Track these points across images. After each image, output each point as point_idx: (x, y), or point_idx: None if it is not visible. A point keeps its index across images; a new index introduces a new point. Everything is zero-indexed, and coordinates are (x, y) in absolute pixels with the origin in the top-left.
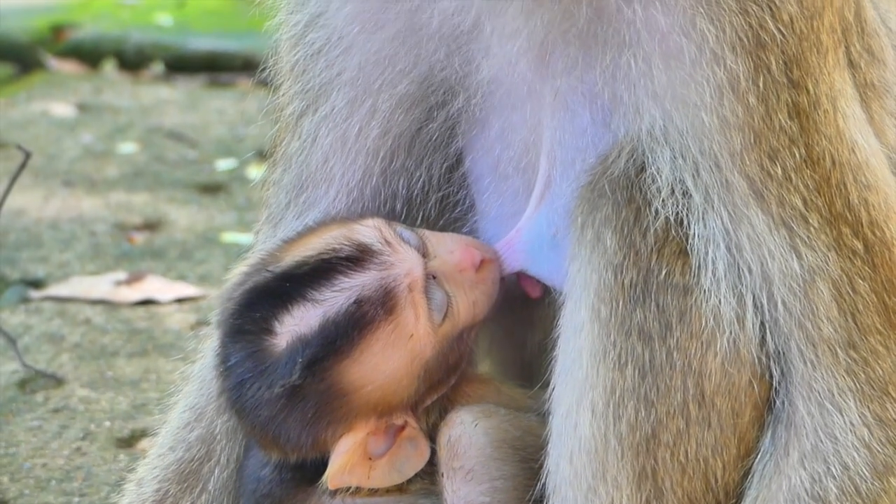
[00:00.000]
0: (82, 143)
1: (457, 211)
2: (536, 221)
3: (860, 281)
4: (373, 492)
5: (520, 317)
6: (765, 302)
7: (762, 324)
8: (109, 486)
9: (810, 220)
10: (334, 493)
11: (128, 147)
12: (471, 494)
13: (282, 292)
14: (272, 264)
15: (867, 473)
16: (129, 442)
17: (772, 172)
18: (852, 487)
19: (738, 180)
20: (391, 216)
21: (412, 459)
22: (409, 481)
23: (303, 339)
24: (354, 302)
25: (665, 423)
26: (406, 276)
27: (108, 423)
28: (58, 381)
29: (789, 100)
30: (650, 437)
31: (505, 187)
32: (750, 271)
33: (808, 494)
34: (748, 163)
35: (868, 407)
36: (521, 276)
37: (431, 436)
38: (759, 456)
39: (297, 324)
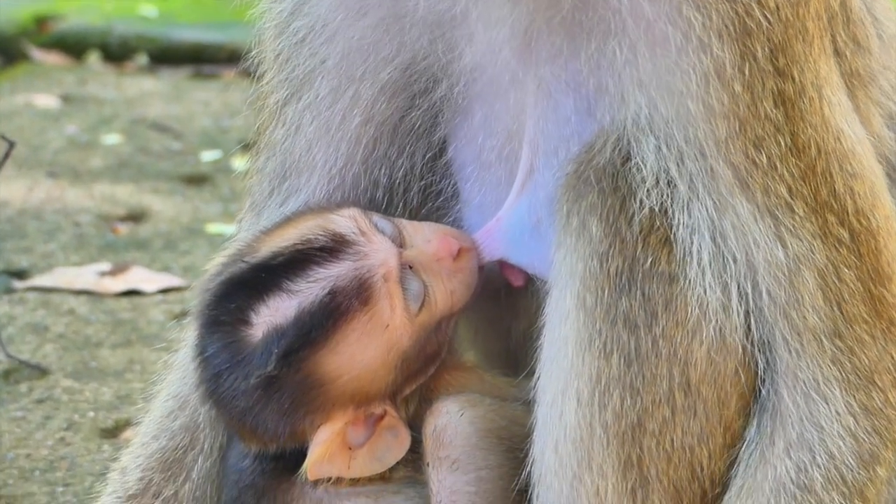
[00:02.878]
0: (66, 135)
1: (439, 200)
2: (518, 210)
3: (846, 270)
4: (355, 481)
5: (504, 306)
6: (749, 291)
7: (747, 313)
8: (93, 476)
9: (796, 209)
10: (316, 483)
11: (112, 138)
12: (456, 484)
13: (257, 283)
14: (248, 255)
15: (853, 462)
16: (113, 432)
17: (757, 161)
18: (838, 476)
19: (722, 169)
20: (373, 205)
21: (393, 448)
22: (392, 470)
23: (278, 330)
24: (329, 292)
25: (651, 412)
26: (381, 266)
27: (91, 414)
28: (42, 372)
29: (775, 88)
30: (636, 425)
31: (488, 176)
32: (735, 260)
33: (793, 483)
34: (733, 151)
35: (854, 396)
36: (503, 265)
37: (412, 424)
38: (744, 445)
39: (272, 314)
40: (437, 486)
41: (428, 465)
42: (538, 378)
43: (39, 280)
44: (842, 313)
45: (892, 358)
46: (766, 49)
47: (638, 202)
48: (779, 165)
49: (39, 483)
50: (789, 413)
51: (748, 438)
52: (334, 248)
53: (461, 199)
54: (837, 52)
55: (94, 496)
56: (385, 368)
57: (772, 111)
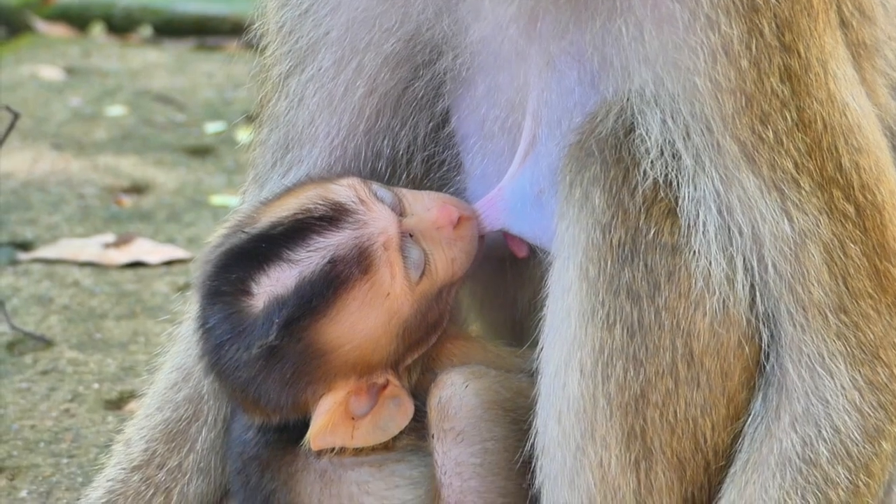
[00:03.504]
0: (70, 106)
1: (442, 170)
2: (520, 180)
3: (851, 245)
4: (358, 451)
5: (508, 276)
6: (755, 264)
7: (752, 286)
8: (98, 447)
9: (802, 184)
10: (319, 453)
11: (116, 110)
12: (461, 456)
13: (258, 253)
14: (249, 225)
15: (858, 437)
16: (117, 403)
17: (763, 136)
18: (843, 451)
19: (729, 144)
20: (376, 175)
21: (396, 418)
22: (395, 439)
23: (279, 300)
24: (329, 261)
25: (654, 383)
26: (381, 234)
27: (96, 385)
28: (46, 344)
29: (781, 63)
30: (639, 396)
31: (490, 147)
32: (741, 233)
33: (799, 457)
34: (740, 126)
35: (859, 371)
36: (507, 235)
37: (415, 393)
38: (749, 419)
39: (273, 284)
40: (441, 458)
41: (433, 436)
42: (541, 349)
43: (44, 252)
44: (847, 288)
45: None
46: (773, 25)
47: (641, 173)
48: (785, 140)
49: (44, 454)
50: (795, 387)
51: (753, 412)
52: (334, 217)
53: (464, 170)
54: (843, 23)
55: (99, 467)
56: (386, 337)
57: (778, 86)
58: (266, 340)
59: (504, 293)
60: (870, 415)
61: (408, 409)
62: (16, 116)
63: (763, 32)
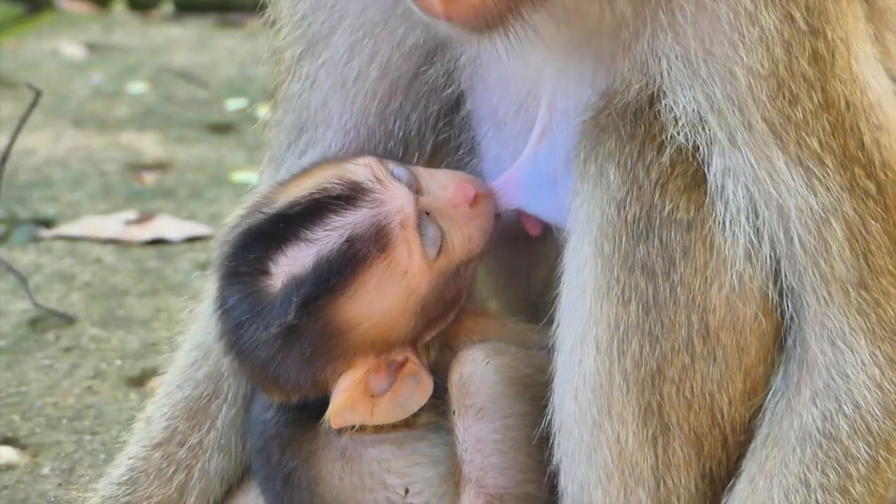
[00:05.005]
0: (92, 83)
1: (457, 154)
2: (536, 159)
3: (872, 222)
4: (379, 428)
5: (523, 254)
6: (781, 237)
7: (774, 259)
8: (120, 424)
9: (826, 162)
10: (340, 431)
11: (138, 87)
12: (482, 432)
13: (275, 233)
14: (266, 206)
15: (878, 413)
16: (139, 381)
17: (791, 116)
18: (864, 426)
19: (760, 123)
20: (389, 157)
21: (415, 395)
22: (416, 416)
23: (297, 279)
24: (347, 240)
25: (670, 359)
26: (397, 212)
27: (118, 362)
28: (69, 321)
29: (810, 47)
30: (655, 372)
31: (505, 130)
32: (767, 207)
33: (819, 432)
34: (770, 108)
35: (879, 347)
36: (520, 214)
37: (434, 370)
38: (770, 394)
39: (291, 264)
40: (462, 435)
41: (454, 413)
42: (557, 326)
43: (66, 229)
44: (868, 265)
45: None
46: (804, 10)
47: (656, 149)
48: (811, 120)
49: (66, 431)
50: (816, 362)
51: (774, 388)
52: (351, 196)
53: (478, 153)
54: None
55: (121, 444)
56: (405, 315)
57: (807, 69)
58: (285, 320)
59: (518, 271)
60: (890, 391)
61: (427, 385)
62: (37, 94)
63: (794, 18)
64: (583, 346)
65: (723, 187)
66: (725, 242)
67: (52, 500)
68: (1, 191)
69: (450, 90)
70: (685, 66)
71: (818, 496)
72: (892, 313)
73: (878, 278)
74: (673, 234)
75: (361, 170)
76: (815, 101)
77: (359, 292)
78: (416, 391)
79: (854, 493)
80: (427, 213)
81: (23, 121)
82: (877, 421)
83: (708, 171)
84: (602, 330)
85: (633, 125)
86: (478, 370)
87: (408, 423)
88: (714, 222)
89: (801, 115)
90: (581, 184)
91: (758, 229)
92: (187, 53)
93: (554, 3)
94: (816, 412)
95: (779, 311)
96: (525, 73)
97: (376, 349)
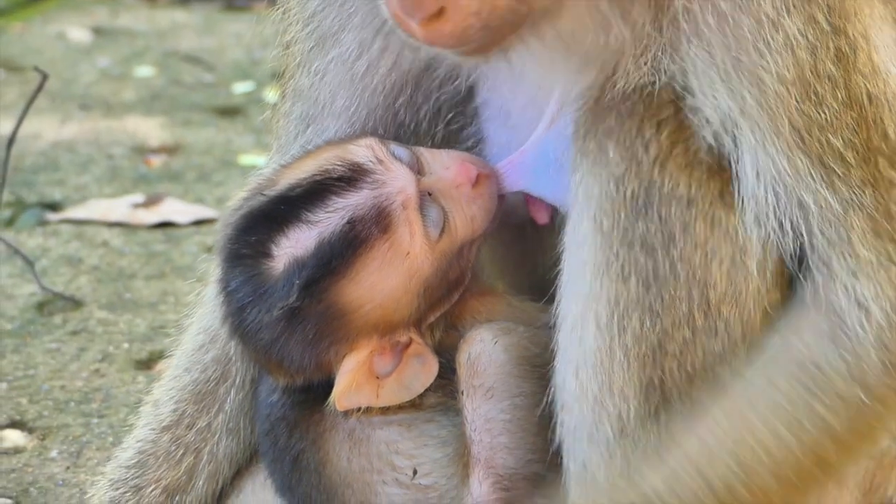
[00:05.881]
0: (99, 67)
1: (466, 145)
2: (543, 143)
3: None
4: (386, 410)
5: (530, 242)
6: (802, 229)
7: (792, 237)
8: (128, 407)
9: (847, 158)
10: (347, 413)
11: (144, 71)
12: (491, 412)
13: (277, 215)
14: (268, 188)
15: (878, 366)
16: (147, 364)
17: (817, 118)
18: (860, 374)
19: (786, 128)
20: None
21: (420, 376)
22: (424, 397)
23: (299, 261)
24: (348, 221)
25: (671, 334)
26: (399, 193)
27: (126, 345)
28: (76, 304)
29: (834, 47)
30: (656, 347)
31: (515, 120)
32: (788, 201)
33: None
34: (795, 112)
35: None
36: (528, 201)
37: (440, 351)
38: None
39: (293, 246)
40: (471, 415)
41: (462, 393)
42: (558, 303)
43: (73, 212)
44: (892, 246)
45: None
46: (825, 11)
47: (656, 126)
48: (835, 120)
49: (74, 414)
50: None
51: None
52: (352, 177)
53: (487, 144)
54: None
55: (129, 427)
56: (408, 296)
57: (831, 69)
58: (287, 302)
59: (525, 258)
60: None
61: (432, 366)
62: (44, 77)
63: (817, 20)
64: (583, 323)
65: (746, 183)
66: (739, 231)
67: (60, 483)
68: (8, 175)
69: (461, 82)
70: (713, 72)
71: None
72: None
73: None
74: (673, 210)
75: (362, 150)
76: (840, 99)
77: (361, 274)
78: (421, 372)
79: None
80: (429, 194)
81: (29, 104)
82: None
83: (733, 165)
84: (602, 306)
85: (633, 103)
86: (486, 350)
87: (415, 405)
88: (724, 205)
89: (825, 116)
90: (580, 160)
91: (779, 221)
92: (194, 37)
93: (544, 31)
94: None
95: (782, 278)
96: (537, 67)
97: (380, 330)
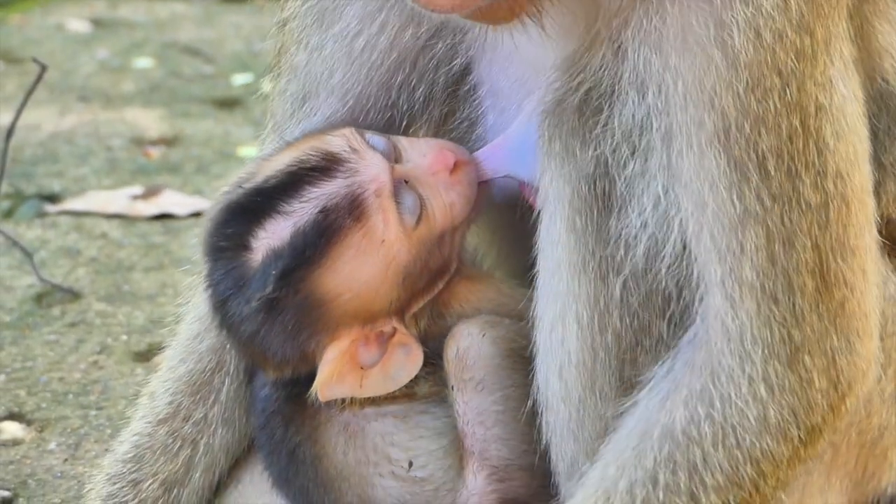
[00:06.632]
0: (98, 59)
1: (460, 127)
2: (526, 128)
3: (802, 237)
4: (376, 401)
5: (525, 225)
6: (691, 226)
7: (687, 251)
8: (126, 399)
9: (767, 168)
10: (333, 404)
11: (143, 62)
12: (483, 404)
13: (255, 207)
14: (247, 181)
15: (754, 429)
16: (145, 356)
17: (755, 112)
18: (733, 438)
19: (714, 119)
20: (392, 129)
21: (406, 365)
22: (416, 386)
23: (275, 252)
24: (321, 210)
25: (648, 330)
26: (372, 181)
27: (124, 337)
28: (74, 296)
29: (799, 42)
30: (635, 345)
31: (507, 105)
32: (687, 200)
33: (682, 433)
34: (734, 103)
35: (773, 366)
36: (522, 187)
37: (426, 339)
38: (647, 388)
39: (269, 237)
40: (463, 408)
41: (452, 388)
42: (535, 305)
43: (72, 204)
44: (785, 279)
45: (833, 341)
46: (801, 2)
47: (617, 127)
48: (773, 119)
49: (72, 406)
50: (704, 362)
51: (652, 384)
52: (326, 167)
53: (481, 126)
54: None
55: (128, 420)
56: (386, 285)
57: (791, 64)
58: (264, 293)
59: (522, 243)
60: (773, 413)
61: (417, 356)
62: (43, 69)
63: (790, 8)
64: (564, 324)
65: (642, 185)
66: (644, 223)
67: (59, 475)
68: (6, 166)
69: (455, 63)
70: (657, 56)
71: (661, 495)
72: (798, 336)
73: (792, 296)
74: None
75: (338, 140)
76: (787, 99)
77: (337, 262)
78: (406, 362)
79: (703, 500)
80: (406, 182)
81: (28, 96)
82: (749, 436)
83: (632, 162)
84: (582, 306)
85: (596, 102)
86: (475, 343)
87: (408, 395)
88: (637, 207)
89: (765, 113)
90: (548, 162)
91: (670, 217)
92: (193, 28)
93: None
94: (685, 413)
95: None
96: (528, 49)
97: (360, 320)
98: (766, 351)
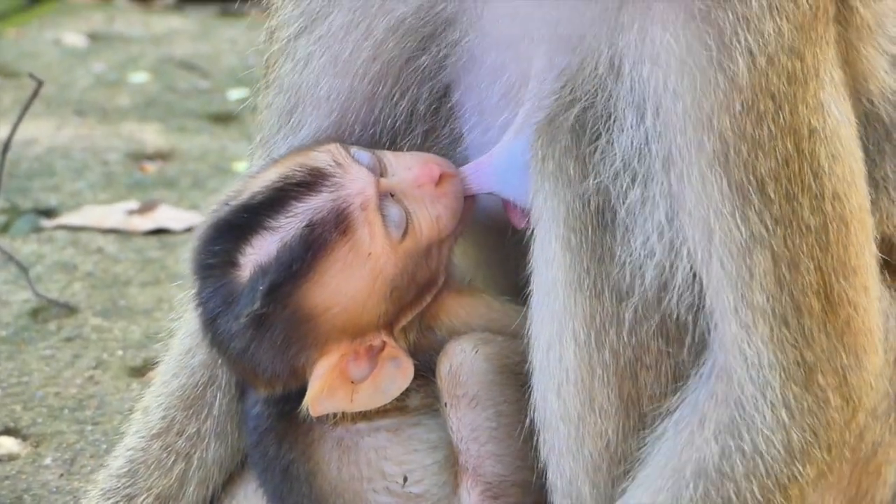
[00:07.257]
0: (94, 73)
1: (443, 143)
2: (512, 147)
3: (806, 259)
4: (368, 415)
5: (510, 246)
6: (699, 255)
7: (697, 280)
8: (122, 414)
9: (767, 191)
10: (334, 420)
11: (139, 77)
12: (477, 420)
13: (241, 224)
14: (234, 199)
15: (781, 456)
16: (141, 371)
17: (752, 136)
18: (763, 468)
19: (713, 142)
20: (376, 143)
21: (396, 379)
22: (408, 399)
23: (262, 268)
24: (307, 225)
25: (646, 346)
26: (357, 195)
27: (120, 353)
28: (70, 310)
29: (791, 66)
30: (633, 361)
31: (491, 121)
32: (693, 226)
33: (715, 469)
34: (730, 126)
35: (792, 389)
36: (506, 205)
37: (416, 353)
38: (673, 423)
39: (256, 253)
40: (456, 425)
41: (445, 405)
42: (530, 324)
43: (68, 218)
44: (792, 302)
45: (842, 359)
46: (794, 27)
47: (613, 142)
48: (769, 143)
49: (68, 421)
50: (727, 394)
51: (678, 416)
52: (312, 182)
53: (464, 143)
54: (848, 7)
55: (123, 435)
56: (374, 298)
57: (784, 88)
58: (252, 308)
59: (507, 261)
60: (796, 437)
61: (407, 369)
62: (39, 83)
63: (783, 33)
64: (561, 342)
65: (650, 207)
66: (650, 250)
67: (54, 490)
68: (2, 180)
69: (439, 78)
70: (655, 75)
71: None
72: (811, 356)
73: (800, 318)
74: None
75: (323, 156)
76: (781, 122)
77: (324, 277)
78: (396, 375)
79: None
80: (391, 195)
81: (24, 110)
82: (777, 464)
83: (636, 185)
84: (579, 324)
85: (588, 121)
86: (467, 360)
87: (401, 409)
88: (640, 234)
89: (761, 136)
90: (541, 181)
91: (675, 245)
92: (189, 43)
93: None
94: (716, 448)
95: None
96: (515, 64)
97: (349, 334)
98: (783, 375)
